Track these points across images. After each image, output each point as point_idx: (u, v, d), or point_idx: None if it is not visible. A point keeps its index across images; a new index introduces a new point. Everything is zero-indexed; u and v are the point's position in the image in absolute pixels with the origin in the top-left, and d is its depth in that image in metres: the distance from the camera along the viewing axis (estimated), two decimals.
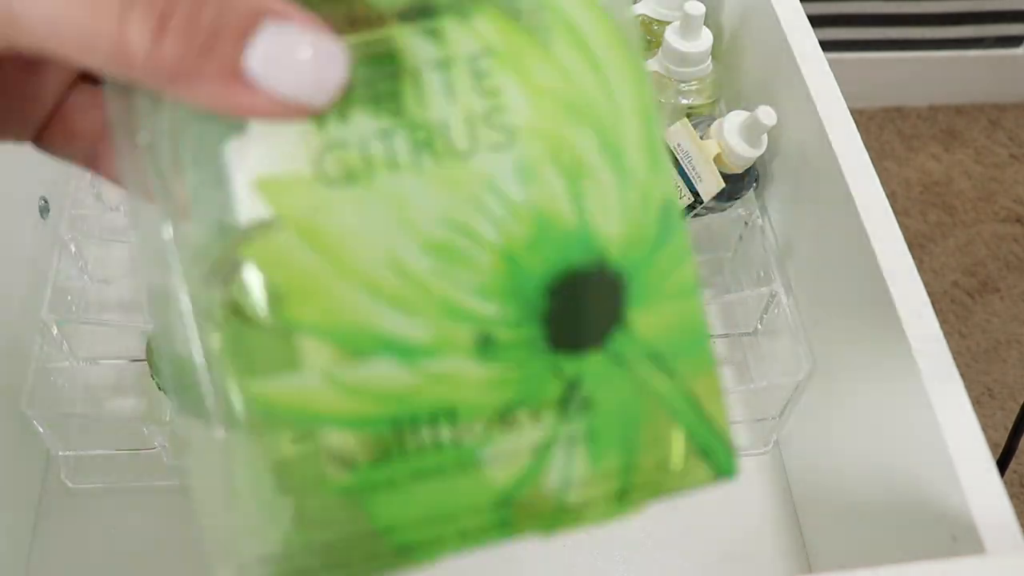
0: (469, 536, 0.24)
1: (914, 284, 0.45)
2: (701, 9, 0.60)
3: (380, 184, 0.23)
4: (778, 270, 0.57)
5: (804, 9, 0.59)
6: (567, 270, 0.24)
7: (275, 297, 0.23)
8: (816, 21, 0.58)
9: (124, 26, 0.20)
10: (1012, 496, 0.38)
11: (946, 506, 0.39)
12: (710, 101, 0.64)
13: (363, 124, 0.23)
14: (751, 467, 0.59)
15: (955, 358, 0.42)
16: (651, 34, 0.67)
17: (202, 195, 0.24)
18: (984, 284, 1.44)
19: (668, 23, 0.64)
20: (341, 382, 0.24)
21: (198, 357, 0.24)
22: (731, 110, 0.57)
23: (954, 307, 1.41)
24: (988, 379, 1.34)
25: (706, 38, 0.62)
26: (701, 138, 0.56)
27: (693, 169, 0.56)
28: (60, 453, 0.55)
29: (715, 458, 0.26)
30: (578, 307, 0.24)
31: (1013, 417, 0.58)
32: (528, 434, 0.24)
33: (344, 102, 0.23)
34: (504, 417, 0.24)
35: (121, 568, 0.54)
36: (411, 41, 0.24)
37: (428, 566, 0.24)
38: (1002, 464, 0.71)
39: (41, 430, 0.52)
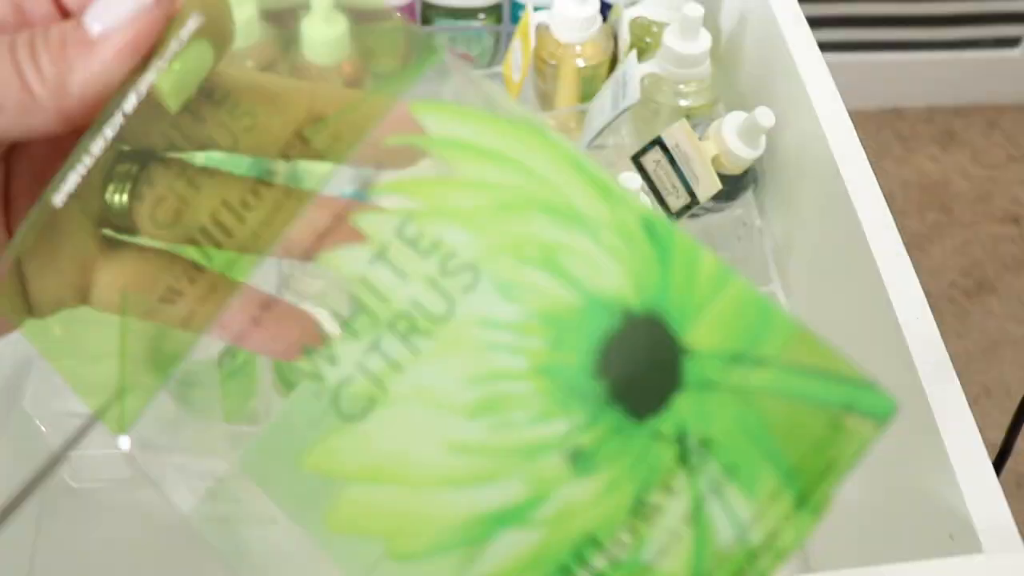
0: None
1: (912, 284, 0.45)
2: (699, 11, 0.60)
3: (397, 391, 0.24)
4: (776, 271, 0.58)
5: (802, 11, 0.59)
6: (602, 344, 0.23)
7: (376, 545, 0.23)
8: (814, 22, 0.59)
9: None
10: (1008, 495, 0.39)
11: (944, 505, 0.39)
12: (709, 102, 0.64)
13: (350, 352, 0.24)
14: None
15: (952, 358, 0.42)
16: (650, 36, 0.68)
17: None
18: (981, 285, 1.45)
19: (667, 24, 0.64)
20: None
21: None
22: (729, 111, 0.58)
23: (952, 307, 1.42)
24: (985, 379, 1.35)
25: (704, 40, 0.62)
26: (700, 139, 0.57)
27: (691, 170, 0.56)
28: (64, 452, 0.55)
29: (864, 405, 0.24)
30: (636, 367, 0.23)
31: (1010, 417, 0.58)
32: (673, 509, 0.23)
33: (325, 346, 0.24)
34: (640, 511, 0.23)
35: (124, 566, 0.54)
36: (339, 254, 0.25)
37: None
38: (998, 463, 0.71)
39: (43, 429, 0.52)
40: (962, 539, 0.38)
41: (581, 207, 0.24)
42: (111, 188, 0.26)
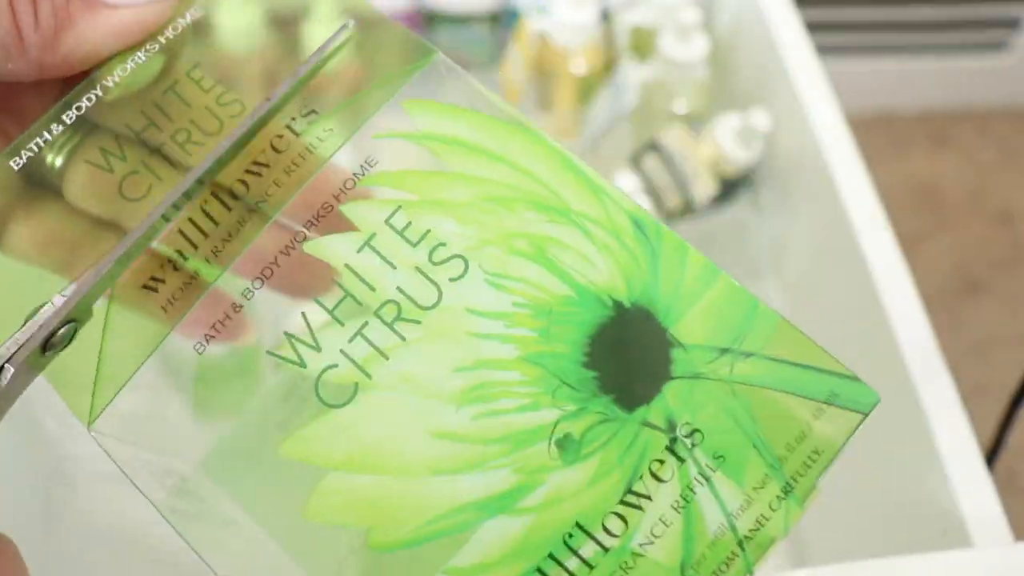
0: None
1: (904, 285, 0.45)
2: (695, 16, 0.61)
3: (382, 378, 0.23)
4: (772, 271, 0.58)
5: (797, 16, 0.60)
6: (593, 335, 0.24)
7: (359, 537, 0.23)
8: (809, 27, 0.59)
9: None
10: (1000, 490, 0.39)
11: (936, 501, 0.40)
12: (705, 106, 0.65)
13: (334, 339, 0.24)
14: None
15: (945, 356, 0.42)
16: (647, 41, 0.68)
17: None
18: (973, 285, 1.46)
19: (663, 29, 0.65)
20: (465, 569, 0.22)
21: None
22: (725, 115, 0.58)
23: (944, 307, 1.43)
24: (977, 377, 1.36)
25: (700, 44, 0.63)
26: (696, 142, 0.57)
27: (687, 173, 0.57)
28: (70, 448, 0.55)
29: (847, 396, 0.24)
30: (626, 358, 0.24)
31: (1001, 414, 0.59)
32: (662, 497, 0.23)
33: (310, 333, 0.24)
34: (630, 498, 0.23)
35: (132, 564, 0.54)
36: (325, 242, 0.24)
37: None
38: (990, 459, 0.72)
39: (50, 425, 0.53)
40: (954, 534, 0.38)
41: (572, 204, 0.24)
42: (51, 145, 0.25)
